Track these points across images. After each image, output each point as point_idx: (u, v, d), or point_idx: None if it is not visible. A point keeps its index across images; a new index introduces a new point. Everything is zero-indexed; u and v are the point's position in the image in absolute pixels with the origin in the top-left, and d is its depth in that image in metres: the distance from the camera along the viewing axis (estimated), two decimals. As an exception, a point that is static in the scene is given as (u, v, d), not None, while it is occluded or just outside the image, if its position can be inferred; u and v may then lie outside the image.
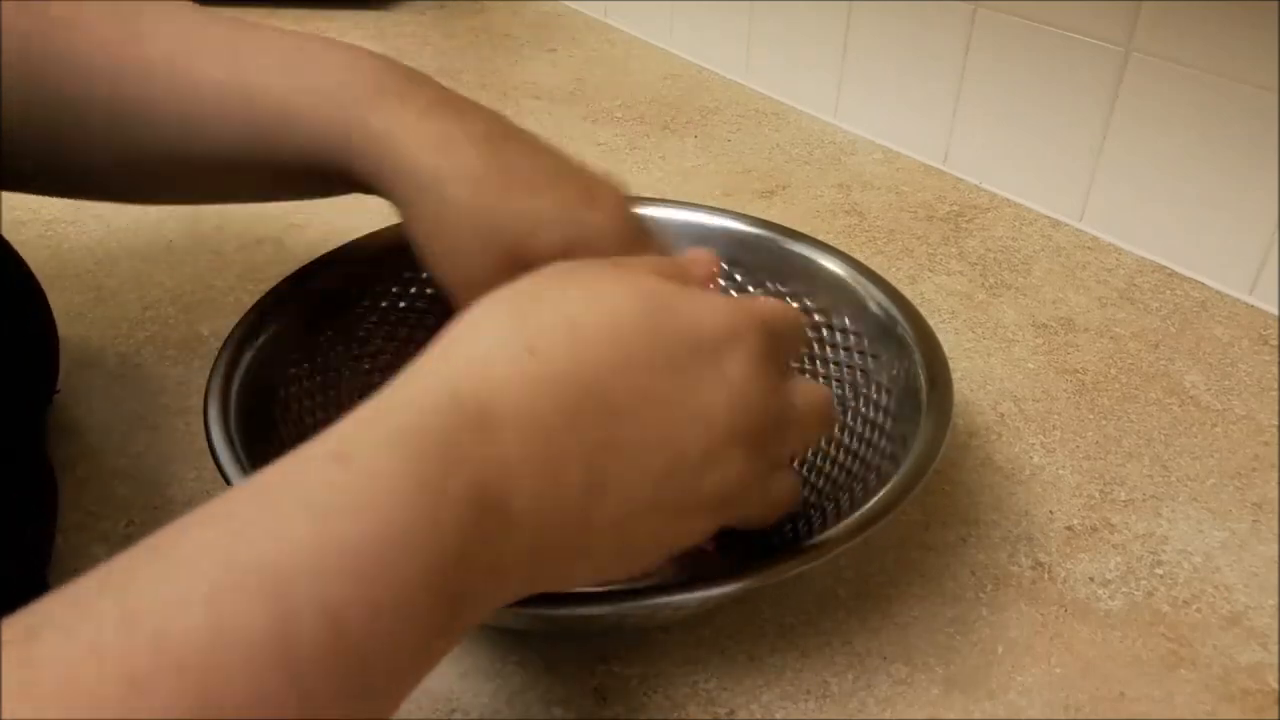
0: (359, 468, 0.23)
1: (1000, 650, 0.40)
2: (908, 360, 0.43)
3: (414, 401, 0.26)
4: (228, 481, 0.35)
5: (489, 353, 0.27)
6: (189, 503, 0.45)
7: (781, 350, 0.33)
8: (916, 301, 0.61)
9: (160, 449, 0.48)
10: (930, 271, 0.64)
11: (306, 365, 0.44)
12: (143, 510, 0.45)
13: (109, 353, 0.54)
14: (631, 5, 1.02)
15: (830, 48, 0.82)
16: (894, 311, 0.46)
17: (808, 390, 0.34)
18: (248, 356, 0.41)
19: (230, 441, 0.36)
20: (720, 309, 0.31)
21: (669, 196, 0.50)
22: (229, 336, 0.41)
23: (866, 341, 0.46)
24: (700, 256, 0.36)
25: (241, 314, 0.43)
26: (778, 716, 0.37)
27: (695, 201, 0.52)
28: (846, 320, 0.47)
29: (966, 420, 0.52)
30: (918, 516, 0.46)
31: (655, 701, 0.37)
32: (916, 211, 0.71)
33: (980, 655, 0.39)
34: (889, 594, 0.42)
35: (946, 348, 0.57)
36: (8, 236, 0.46)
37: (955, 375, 0.55)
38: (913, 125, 0.78)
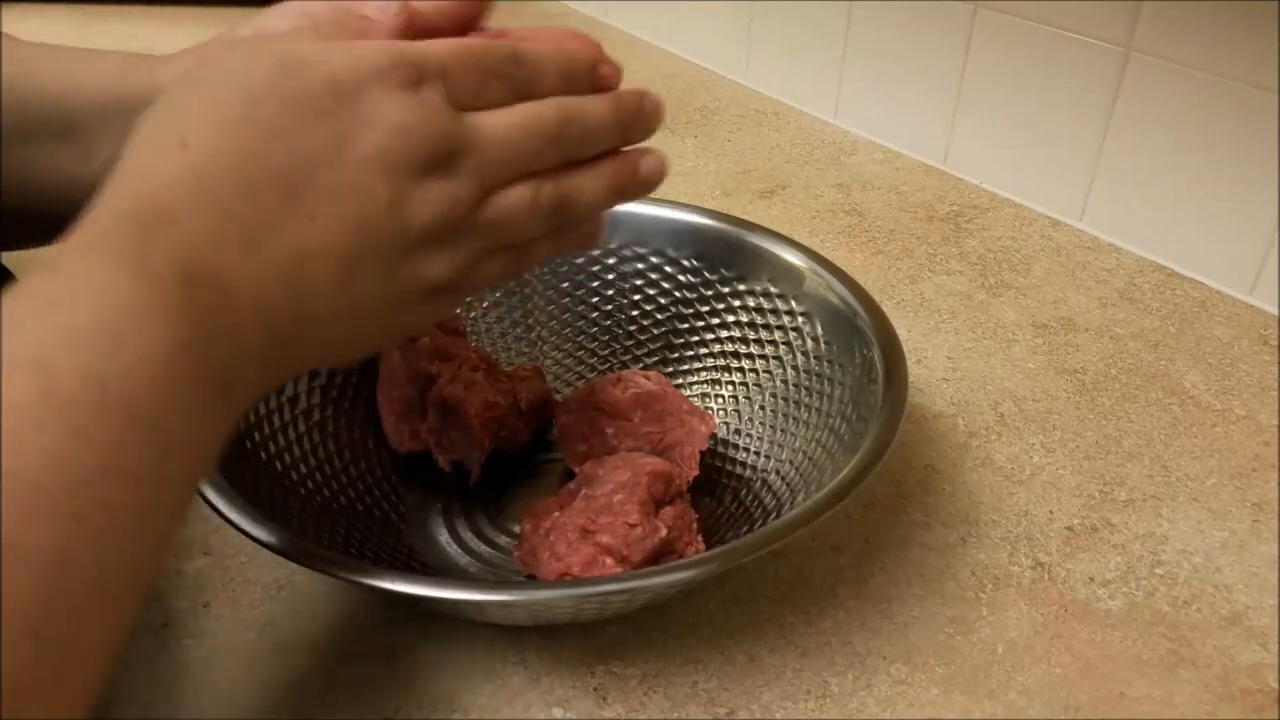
0: (69, 272, 0.25)
1: (1000, 650, 0.40)
2: (867, 350, 0.44)
3: (99, 217, 0.27)
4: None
5: (150, 156, 0.29)
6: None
7: (448, 81, 0.31)
8: (916, 302, 0.61)
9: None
10: (930, 271, 0.64)
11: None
12: (143, 510, 0.45)
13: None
14: (631, 5, 1.02)
15: (830, 48, 0.82)
16: (853, 302, 0.46)
17: (498, 116, 0.32)
18: None
19: None
20: (355, 51, 0.30)
21: (669, 197, 0.50)
22: None
23: (823, 331, 0.47)
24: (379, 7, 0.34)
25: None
26: (778, 716, 0.37)
27: (675, 200, 0.53)
28: (804, 309, 0.48)
29: (966, 420, 0.52)
30: (918, 516, 0.46)
31: (655, 701, 0.37)
32: (916, 211, 0.71)
33: (980, 655, 0.39)
34: (889, 594, 0.42)
35: (946, 348, 0.57)
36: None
37: (955, 375, 0.55)
38: (913, 125, 0.78)
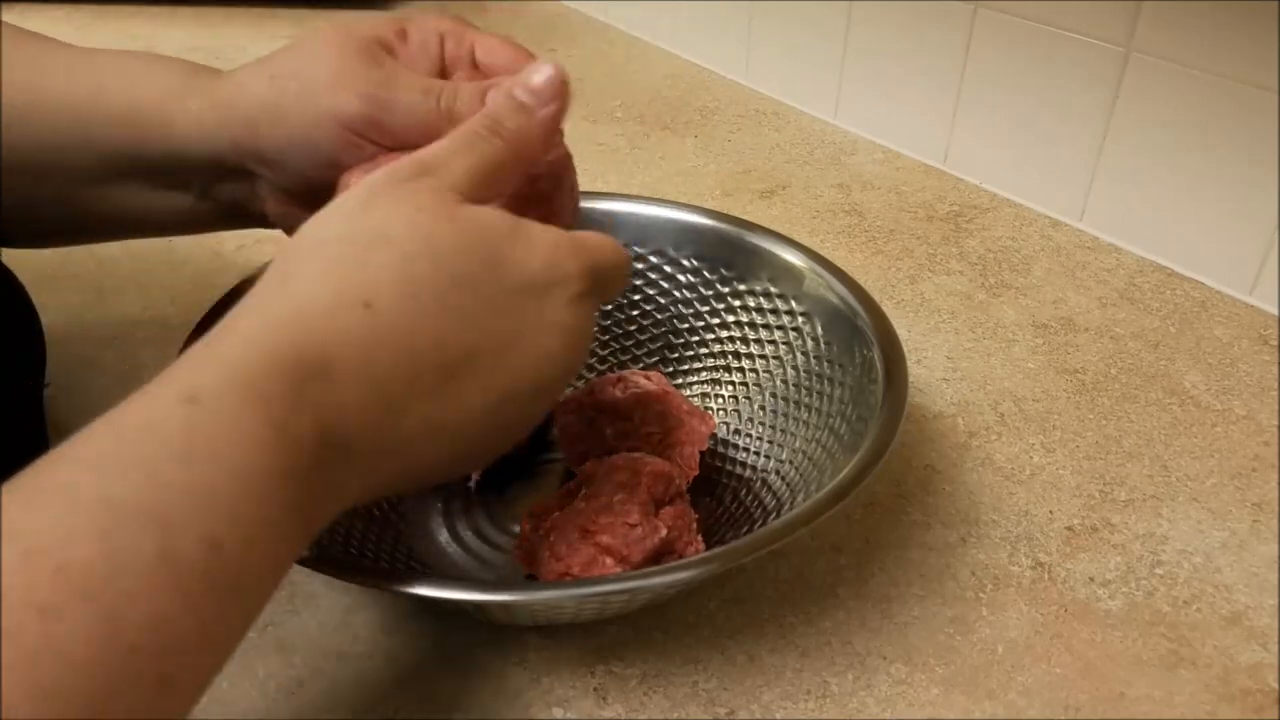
0: (211, 411, 0.25)
1: (1000, 650, 0.40)
2: (867, 350, 0.44)
3: (254, 345, 0.27)
4: None
5: (328, 303, 0.28)
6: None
7: (605, 291, 0.34)
8: (916, 302, 0.61)
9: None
10: (930, 271, 0.64)
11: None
12: (143, 510, 0.45)
13: (109, 353, 0.54)
14: (631, 5, 1.02)
15: (830, 48, 0.82)
16: (853, 302, 0.46)
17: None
18: None
19: None
20: (548, 250, 0.31)
21: (669, 196, 0.50)
22: (197, 324, 0.41)
23: (823, 331, 0.47)
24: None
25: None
26: (778, 716, 0.37)
27: (674, 200, 0.53)
28: (804, 309, 0.48)
29: (966, 420, 0.52)
30: (918, 516, 0.46)
31: (655, 701, 0.37)
32: (916, 211, 0.71)
33: (980, 655, 0.39)
34: (889, 594, 0.42)
35: (946, 348, 0.57)
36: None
37: (955, 375, 0.55)
38: (913, 125, 0.78)
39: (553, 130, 0.35)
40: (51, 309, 0.49)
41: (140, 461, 0.23)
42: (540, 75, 0.35)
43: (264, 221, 0.41)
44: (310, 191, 0.38)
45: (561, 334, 0.31)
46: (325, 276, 0.29)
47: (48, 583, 0.21)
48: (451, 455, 0.31)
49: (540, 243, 0.31)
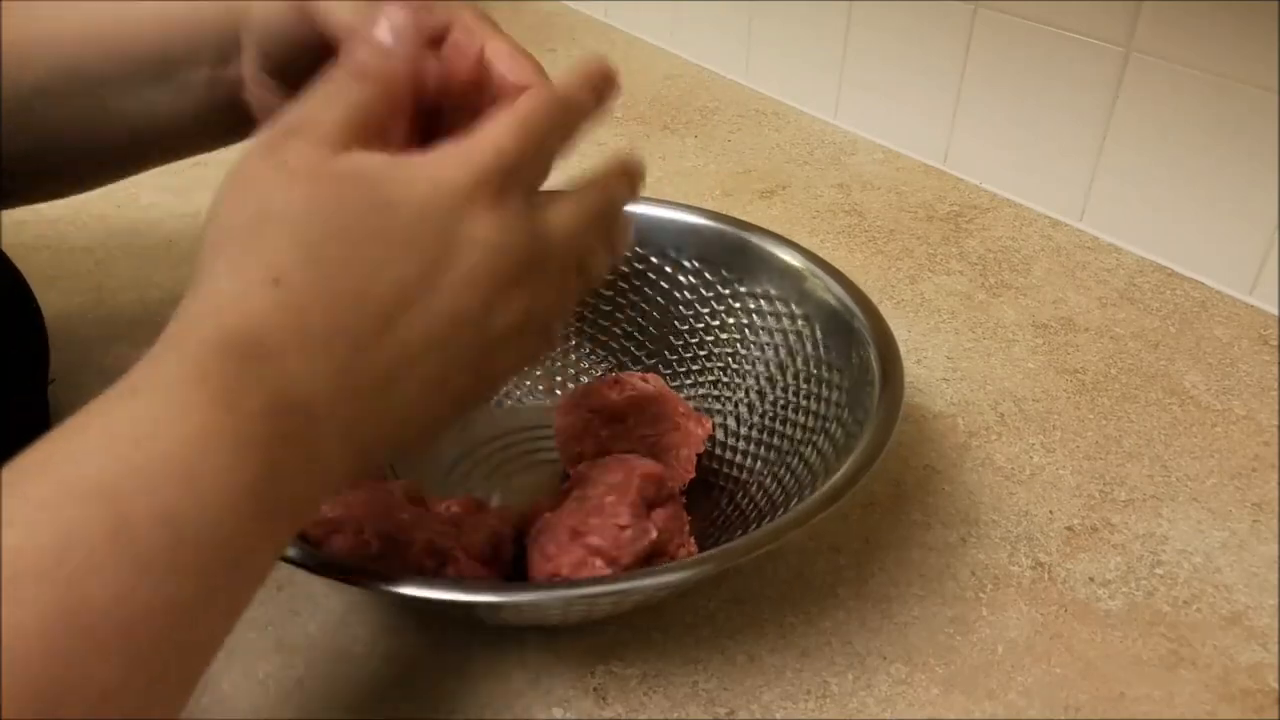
0: (153, 398, 0.25)
1: (1000, 650, 0.40)
2: (863, 350, 0.44)
3: (184, 343, 0.27)
4: None
5: (237, 288, 0.28)
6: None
7: (519, 179, 0.32)
8: (916, 302, 0.61)
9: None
10: (930, 271, 0.64)
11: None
12: (143, 510, 0.45)
13: (109, 353, 0.54)
14: (631, 5, 1.02)
15: (830, 48, 0.82)
16: (850, 304, 0.46)
17: (562, 213, 0.34)
18: None
19: None
20: (430, 173, 0.31)
21: (669, 197, 0.50)
22: None
23: (821, 333, 0.47)
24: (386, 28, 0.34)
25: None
26: (778, 716, 0.37)
27: (674, 200, 0.53)
28: (802, 311, 0.48)
29: (966, 420, 0.52)
30: (918, 516, 0.46)
31: (655, 701, 0.37)
32: (916, 211, 0.71)
33: (980, 655, 0.39)
34: (889, 594, 0.42)
35: (946, 348, 0.57)
36: (9, 237, 0.46)
37: (955, 375, 0.55)
38: (913, 125, 0.78)
39: (422, 59, 0.34)
40: (51, 309, 0.49)
41: (88, 450, 0.24)
42: (396, 15, 0.34)
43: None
44: (288, 72, 0.38)
45: (481, 247, 0.30)
46: (229, 269, 0.29)
47: (6, 567, 0.21)
48: (430, 392, 0.31)
49: (420, 168, 0.31)
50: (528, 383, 0.52)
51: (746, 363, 0.49)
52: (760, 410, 0.48)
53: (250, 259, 0.29)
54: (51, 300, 0.57)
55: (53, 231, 0.64)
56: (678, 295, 0.51)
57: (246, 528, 0.26)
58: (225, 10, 0.40)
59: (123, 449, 0.24)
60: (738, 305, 0.50)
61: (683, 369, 0.51)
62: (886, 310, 0.46)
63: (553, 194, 0.34)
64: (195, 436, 0.25)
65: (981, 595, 0.42)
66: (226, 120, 0.42)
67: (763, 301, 0.49)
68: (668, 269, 0.51)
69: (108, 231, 0.65)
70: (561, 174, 0.35)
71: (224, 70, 0.41)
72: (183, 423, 0.25)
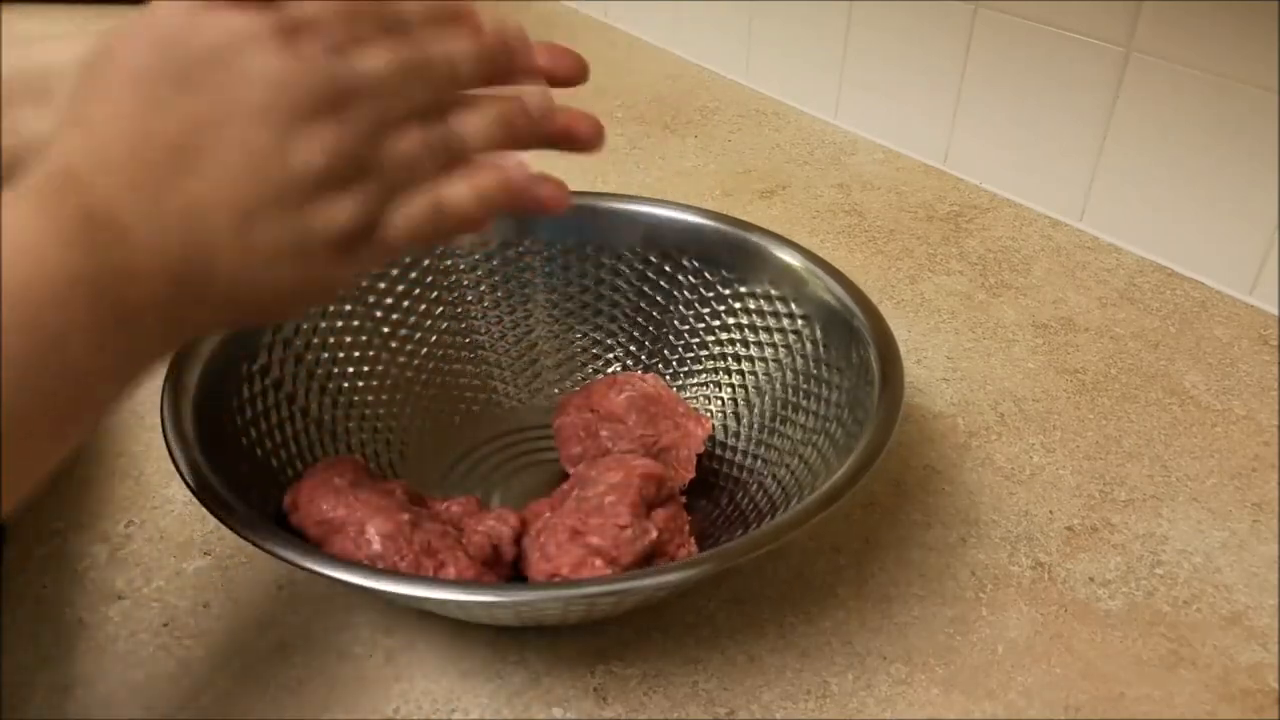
0: None
1: (1000, 650, 0.40)
2: (863, 350, 0.44)
3: (12, 187, 0.30)
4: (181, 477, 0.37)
5: (56, 138, 0.31)
6: (189, 501, 0.45)
7: (304, 32, 0.32)
8: (916, 302, 0.61)
9: (160, 449, 0.48)
10: (930, 271, 0.64)
11: (258, 364, 0.45)
12: (143, 510, 0.45)
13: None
14: (631, 5, 1.02)
15: (830, 48, 0.82)
16: (850, 304, 0.46)
17: (370, 57, 0.33)
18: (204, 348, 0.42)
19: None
20: (228, 19, 0.32)
21: (669, 197, 0.50)
22: None
23: (821, 333, 0.47)
24: None
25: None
26: (778, 716, 0.37)
27: (676, 200, 0.53)
28: (802, 311, 0.48)
29: (967, 420, 0.52)
30: (918, 516, 0.46)
31: (655, 701, 0.37)
32: (916, 211, 0.71)
33: (980, 655, 0.39)
34: (889, 594, 0.42)
35: (946, 348, 0.57)
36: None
37: (955, 375, 0.55)
38: (913, 125, 0.78)
39: None
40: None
41: None
42: None
43: None
44: None
45: (263, 81, 0.31)
46: (57, 125, 0.32)
47: None
48: (241, 228, 0.31)
49: (217, 15, 0.32)
50: (521, 383, 0.52)
51: (747, 362, 0.49)
52: (760, 410, 0.48)
53: (68, 110, 0.32)
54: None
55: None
56: (678, 295, 0.51)
57: (75, 313, 0.28)
58: None
59: None
60: (738, 305, 0.50)
61: (683, 369, 0.51)
62: (886, 310, 0.46)
63: (368, 48, 0.34)
64: (18, 232, 0.28)
65: (981, 595, 0.42)
66: None
67: (763, 301, 0.49)
68: (668, 269, 0.51)
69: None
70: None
71: None
72: (10, 220, 0.28)
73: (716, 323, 0.51)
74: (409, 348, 0.50)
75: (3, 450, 0.26)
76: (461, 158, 0.35)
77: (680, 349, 0.51)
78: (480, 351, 0.52)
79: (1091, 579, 0.43)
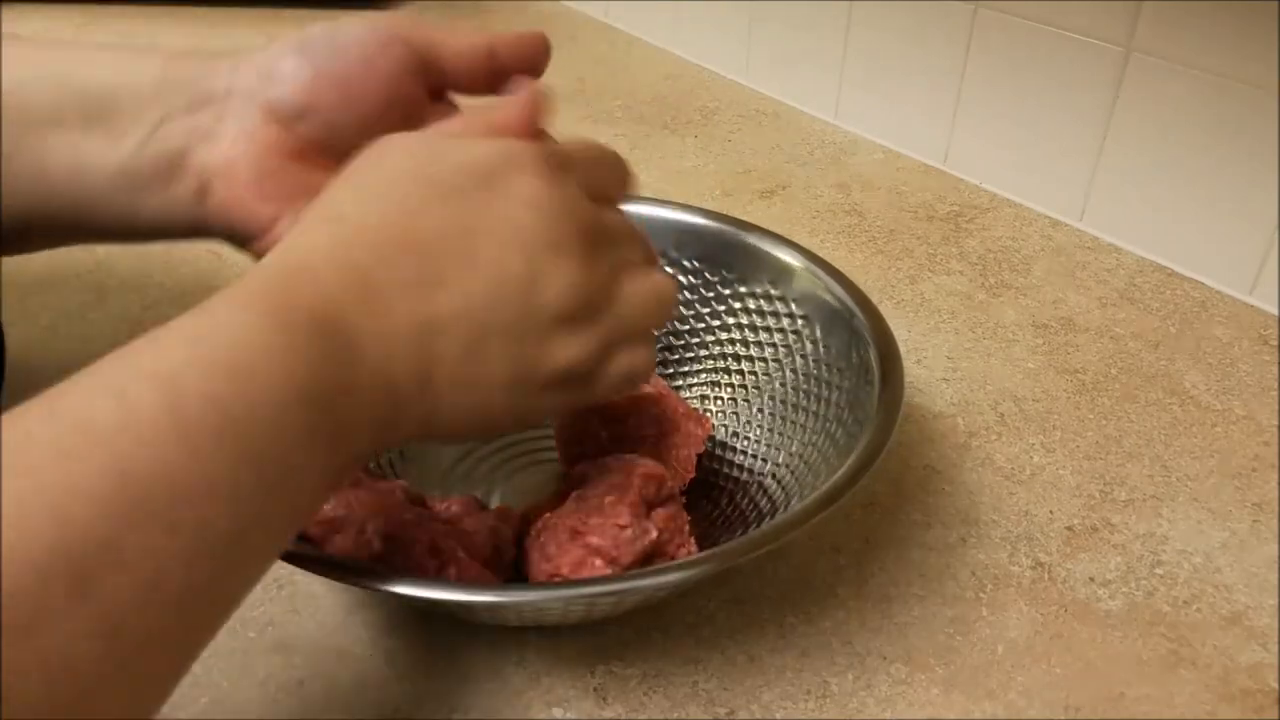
0: (214, 312, 0.27)
1: (1000, 650, 0.40)
2: (863, 350, 0.44)
3: (250, 278, 0.29)
4: None
5: (300, 232, 0.31)
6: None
7: (569, 170, 0.33)
8: (916, 302, 0.61)
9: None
10: (930, 271, 0.64)
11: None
12: (143, 510, 0.45)
13: (108, 353, 0.54)
14: (631, 5, 1.02)
15: (830, 48, 0.82)
16: (850, 304, 0.46)
17: (614, 213, 0.35)
18: None
19: None
20: (487, 144, 0.32)
21: (669, 197, 0.50)
22: None
23: (821, 333, 0.47)
24: (511, 105, 0.36)
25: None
26: (778, 716, 0.37)
27: (674, 200, 0.53)
28: (802, 310, 0.48)
29: (967, 420, 0.52)
30: (918, 516, 0.46)
31: (655, 701, 0.37)
32: (916, 211, 0.71)
33: (980, 655, 0.39)
34: (889, 594, 0.42)
35: (946, 348, 0.57)
36: (8, 236, 0.46)
37: (955, 375, 0.55)
38: (913, 125, 0.78)
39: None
40: (52, 309, 0.49)
41: (151, 346, 0.26)
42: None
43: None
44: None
45: (527, 206, 0.31)
46: (300, 222, 0.31)
47: (69, 432, 0.23)
48: (473, 354, 0.31)
49: (480, 140, 0.33)
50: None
51: (746, 362, 0.49)
52: (760, 410, 0.48)
53: (317, 209, 0.31)
54: (51, 300, 0.57)
55: (53, 231, 0.64)
56: (678, 295, 0.51)
57: (292, 434, 0.26)
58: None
59: (181, 346, 0.26)
60: (738, 305, 0.50)
61: (684, 369, 0.51)
62: (886, 310, 0.46)
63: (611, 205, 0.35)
64: (249, 342, 0.26)
65: (981, 595, 0.42)
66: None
67: (763, 301, 0.49)
68: (667, 269, 0.52)
69: (108, 231, 0.65)
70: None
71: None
72: (239, 331, 0.26)
73: (716, 323, 0.51)
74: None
75: (223, 589, 0.26)
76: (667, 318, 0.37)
77: (680, 349, 0.51)
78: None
79: (1091, 579, 0.43)
